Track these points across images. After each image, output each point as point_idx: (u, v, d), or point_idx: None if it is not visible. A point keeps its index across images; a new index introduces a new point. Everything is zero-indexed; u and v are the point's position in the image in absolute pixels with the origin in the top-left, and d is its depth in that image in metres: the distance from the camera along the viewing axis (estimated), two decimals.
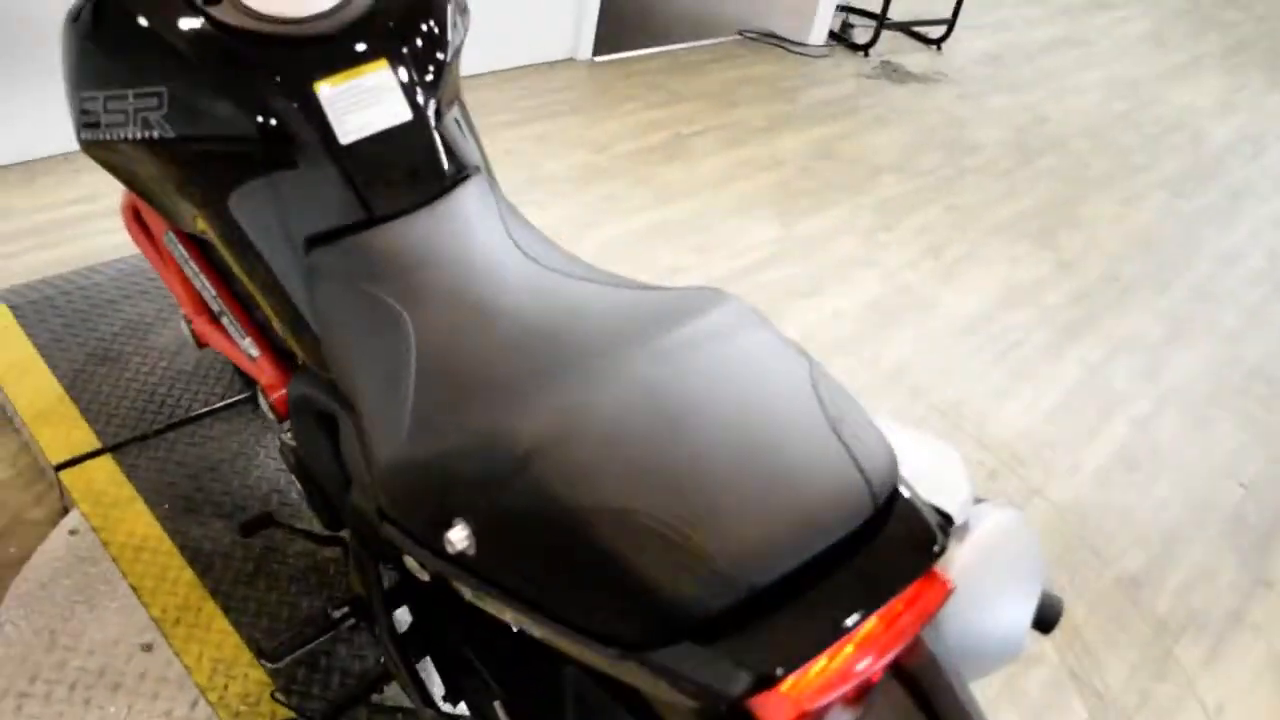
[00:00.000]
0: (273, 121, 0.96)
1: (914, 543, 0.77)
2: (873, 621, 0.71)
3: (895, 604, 0.73)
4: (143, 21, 0.96)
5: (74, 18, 1.02)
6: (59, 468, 1.81)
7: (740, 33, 4.82)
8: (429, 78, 1.02)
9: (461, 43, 1.12)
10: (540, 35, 4.16)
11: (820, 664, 0.69)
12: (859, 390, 2.50)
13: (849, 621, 0.71)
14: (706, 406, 0.76)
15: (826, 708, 0.71)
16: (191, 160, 1.00)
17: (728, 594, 0.69)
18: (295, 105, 0.95)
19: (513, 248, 1.00)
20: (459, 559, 0.78)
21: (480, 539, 0.76)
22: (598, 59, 4.32)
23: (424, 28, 1.03)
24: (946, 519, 0.82)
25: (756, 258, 3.03)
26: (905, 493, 0.79)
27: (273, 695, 1.42)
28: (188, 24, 0.95)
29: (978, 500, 0.88)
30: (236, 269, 1.08)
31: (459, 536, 0.77)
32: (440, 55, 1.04)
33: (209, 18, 0.95)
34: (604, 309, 0.88)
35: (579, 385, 0.76)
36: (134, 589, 1.61)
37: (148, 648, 1.54)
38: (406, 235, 0.99)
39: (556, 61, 4.23)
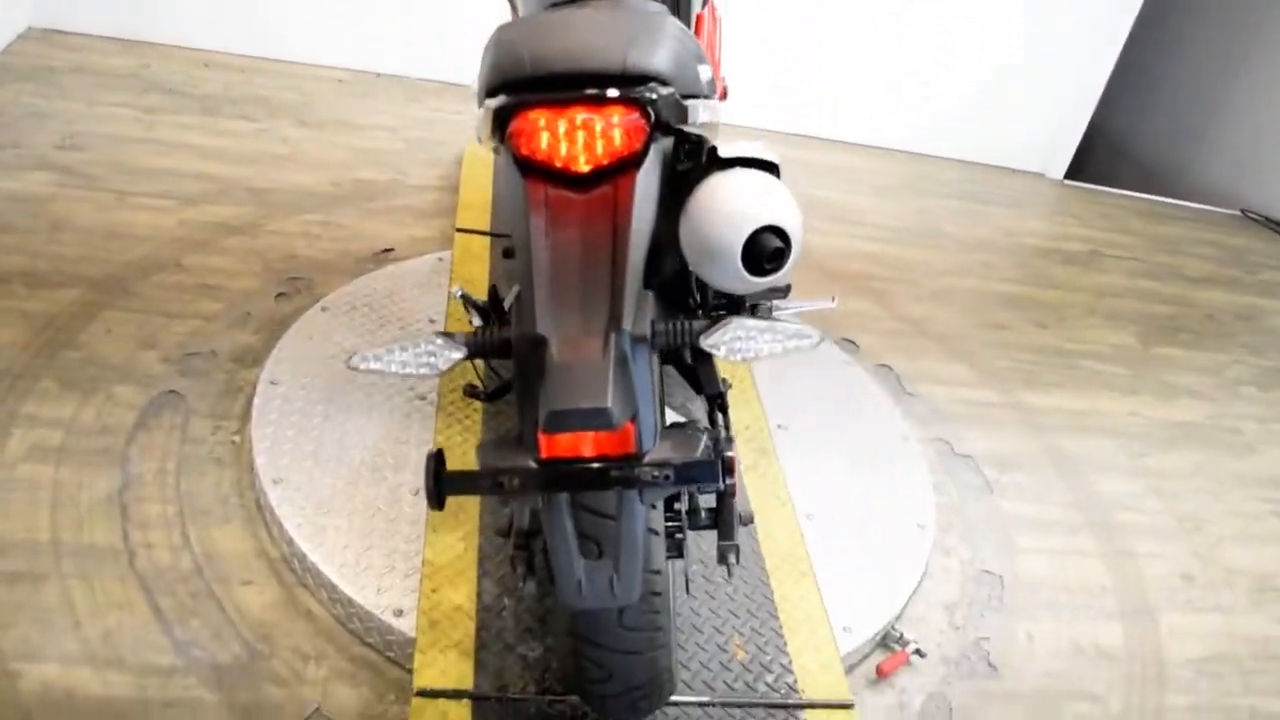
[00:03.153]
0: None
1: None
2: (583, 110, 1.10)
3: (604, 107, 1.10)
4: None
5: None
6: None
7: (1243, 211, 4.61)
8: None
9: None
10: (1015, 142, 4.42)
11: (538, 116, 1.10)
12: None
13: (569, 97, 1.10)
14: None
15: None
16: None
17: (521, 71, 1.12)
18: None
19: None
20: None
21: None
22: (1068, 182, 4.47)
23: None
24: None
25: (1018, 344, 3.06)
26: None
27: None
28: None
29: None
30: None
31: None
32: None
33: None
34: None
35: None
36: None
37: None
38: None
39: (1025, 171, 4.46)
